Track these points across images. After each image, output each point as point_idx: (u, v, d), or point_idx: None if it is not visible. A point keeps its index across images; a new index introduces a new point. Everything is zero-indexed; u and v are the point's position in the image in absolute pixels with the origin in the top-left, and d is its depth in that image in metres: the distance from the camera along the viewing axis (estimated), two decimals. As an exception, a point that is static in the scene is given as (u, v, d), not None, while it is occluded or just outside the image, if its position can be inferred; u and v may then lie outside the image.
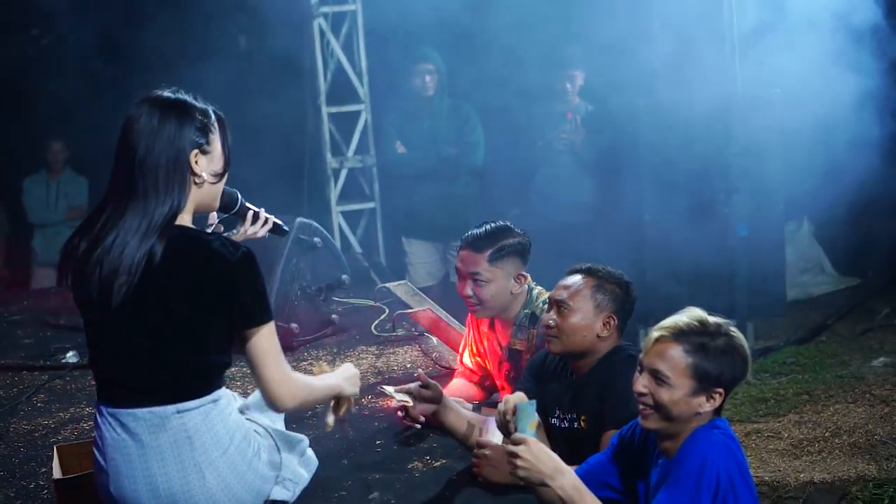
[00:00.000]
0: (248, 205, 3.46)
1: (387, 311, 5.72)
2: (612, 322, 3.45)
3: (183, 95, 2.76)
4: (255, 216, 3.49)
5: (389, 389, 3.60)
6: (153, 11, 8.13)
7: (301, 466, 3.01)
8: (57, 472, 3.34)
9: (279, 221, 3.59)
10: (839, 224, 9.01)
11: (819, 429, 5.60)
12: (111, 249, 2.63)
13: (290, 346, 4.86)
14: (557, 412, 3.57)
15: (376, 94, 7.97)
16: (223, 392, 2.79)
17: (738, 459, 2.74)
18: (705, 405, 2.77)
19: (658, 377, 2.79)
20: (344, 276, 5.35)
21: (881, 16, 6.90)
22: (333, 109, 7.94)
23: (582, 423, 3.45)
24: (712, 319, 2.84)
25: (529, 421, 2.86)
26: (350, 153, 7.97)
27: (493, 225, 4.02)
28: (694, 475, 2.68)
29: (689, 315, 2.86)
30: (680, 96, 7.13)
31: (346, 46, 7.94)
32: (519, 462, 2.77)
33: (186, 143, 2.70)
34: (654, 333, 2.86)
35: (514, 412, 2.99)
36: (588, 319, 3.44)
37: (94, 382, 4.92)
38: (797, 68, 6.85)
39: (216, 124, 2.79)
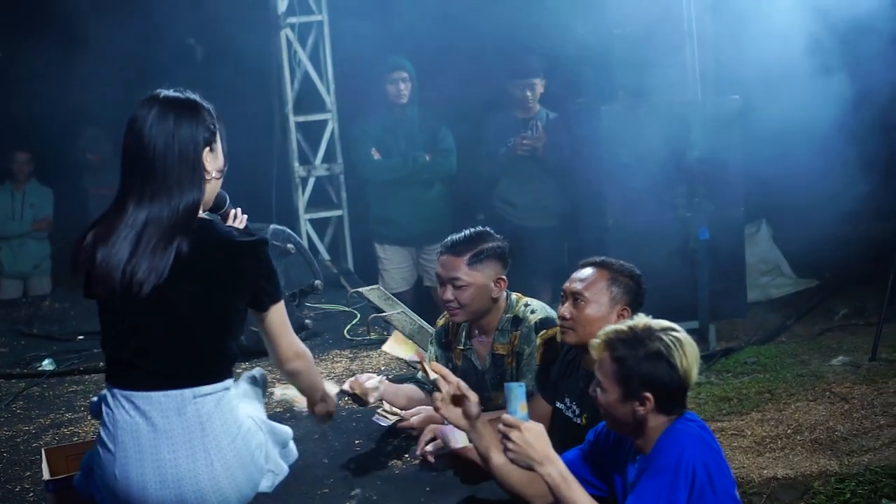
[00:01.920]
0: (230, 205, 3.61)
1: (359, 315, 5.79)
2: (626, 314, 3.44)
3: (192, 95, 2.86)
4: (235, 216, 3.70)
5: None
6: (117, 24, 8.13)
7: (282, 458, 3.09)
8: (46, 474, 3.38)
9: (248, 223, 3.79)
10: (797, 226, 9.17)
11: (781, 426, 5.65)
12: (138, 244, 2.71)
13: (263, 352, 4.90)
14: (567, 400, 3.62)
15: (343, 103, 8.03)
16: (232, 382, 2.88)
17: (714, 449, 2.82)
18: (639, 409, 2.83)
19: (598, 383, 2.90)
20: (317, 282, 5.42)
21: (840, 22, 7.04)
22: (301, 118, 7.99)
23: (583, 420, 3.49)
24: (644, 325, 2.89)
25: (519, 403, 2.89)
26: (317, 161, 8.02)
27: (472, 230, 4.03)
28: (671, 467, 2.74)
29: (627, 322, 2.95)
30: (641, 102, 7.26)
31: (313, 56, 8.00)
32: (510, 445, 2.86)
33: (201, 140, 2.80)
34: (593, 341, 2.95)
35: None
36: (604, 311, 3.45)
37: (72, 388, 5.05)
38: (756, 74, 7.00)
39: (218, 122, 2.89)
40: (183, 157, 2.75)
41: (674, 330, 2.89)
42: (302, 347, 3.04)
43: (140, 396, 2.75)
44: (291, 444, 3.19)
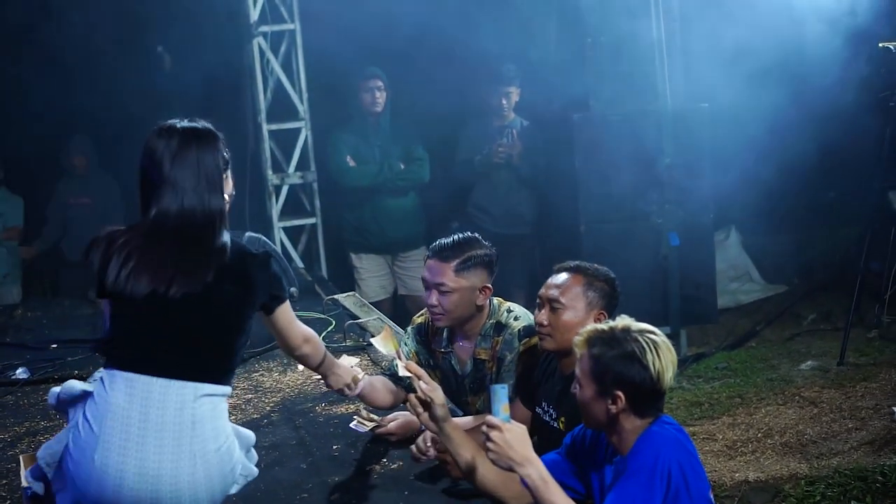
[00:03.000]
0: None
1: (334, 322, 5.81)
2: (603, 318, 3.47)
3: (204, 124, 3.01)
4: None
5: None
6: (86, 33, 8.12)
7: (250, 461, 3.13)
8: (24, 481, 3.38)
9: None
10: (765, 233, 9.27)
11: (752, 430, 5.72)
12: (169, 255, 2.86)
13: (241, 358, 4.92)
14: (543, 404, 3.66)
15: (316, 112, 8.05)
16: (230, 391, 2.97)
17: (689, 452, 2.88)
18: (612, 407, 2.88)
19: (577, 379, 2.97)
20: (292, 289, 5.42)
21: (809, 30, 7.14)
22: (274, 126, 7.99)
23: (560, 424, 3.52)
24: (623, 326, 2.95)
25: (502, 404, 2.94)
26: (291, 169, 8.03)
27: (461, 236, 4.02)
28: (647, 468, 2.79)
29: (608, 322, 3.02)
30: (613, 111, 7.33)
31: (286, 64, 8.02)
32: (490, 445, 2.90)
33: (222, 166, 2.99)
34: (576, 338, 3.01)
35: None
36: (580, 316, 3.49)
37: (47, 397, 5.02)
38: (724, 83, 7.08)
39: (226, 150, 3.06)
40: (210, 183, 2.92)
41: (652, 333, 2.94)
42: (309, 332, 3.36)
43: (142, 380, 2.81)
44: (253, 450, 3.22)
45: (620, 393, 2.87)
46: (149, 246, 2.86)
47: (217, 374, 2.91)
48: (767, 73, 7.35)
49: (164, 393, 2.79)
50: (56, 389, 3.02)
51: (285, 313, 3.20)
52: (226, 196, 3.01)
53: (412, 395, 3.26)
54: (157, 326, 2.85)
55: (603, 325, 3.00)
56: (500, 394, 2.96)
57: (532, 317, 3.94)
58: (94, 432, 2.78)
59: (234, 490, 3.04)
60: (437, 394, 3.22)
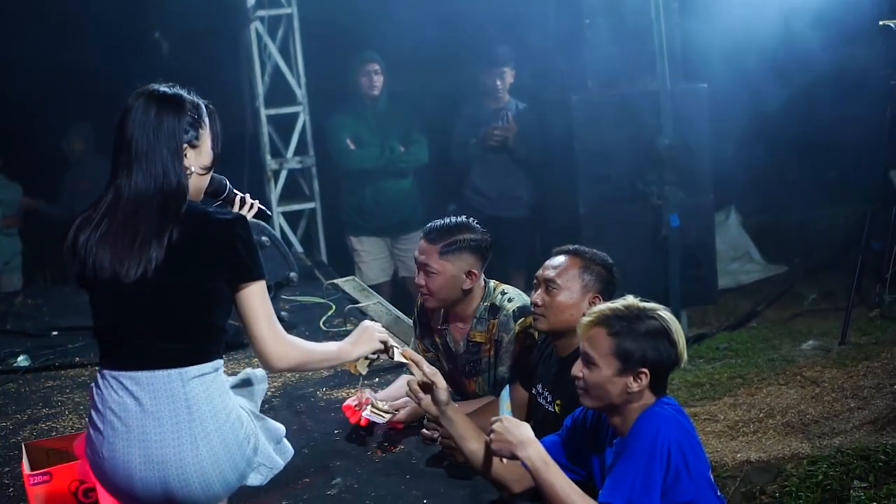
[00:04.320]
0: (235, 191, 3.56)
1: (334, 307, 5.81)
2: (597, 302, 3.46)
3: (178, 90, 2.88)
4: (242, 201, 3.60)
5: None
6: (85, 21, 8.10)
7: (277, 454, 3.09)
8: (27, 468, 3.39)
9: (262, 207, 3.69)
10: (765, 213, 9.27)
11: (753, 410, 5.71)
12: (126, 231, 2.74)
13: (241, 344, 4.94)
14: (539, 386, 3.66)
15: (314, 96, 8.03)
16: (222, 364, 2.88)
17: (688, 432, 2.87)
18: (633, 385, 2.88)
19: (588, 360, 2.93)
20: (292, 274, 5.41)
21: (807, 9, 7.12)
22: (272, 111, 7.99)
23: (556, 408, 3.52)
24: (640, 304, 2.96)
25: (505, 403, 3.00)
26: (289, 154, 8.02)
27: (454, 220, 4.03)
28: (647, 449, 2.79)
29: (619, 301, 3.00)
30: (611, 92, 7.31)
31: (283, 49, 8.00)
32: (492, 436, 2.93)
33: (181, 135, 2.83)
34: (585, 319, 2.99)
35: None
36: (575, 298, 3.49)
37: (48, 384, 5.05)
38: (723, 62, 7.07)
39: (206, 119, 2.90)
40: (166, 150, 2.79)
41: (665, 310, 2.97)
42: (287, 343, 2.89)
43: (127, 376, 2.77)
44: (286, 441, 3.18)
45: (646, 370, 2.88)
46: (107, 229, 2.77)
47: (199, 354, 2.80)
48: (767, 53, 7.33)
49: (151, 385, 2.75)
50: None
51: (252, 301, 2.82)
52: (193, 167, 2.86)
53: (411, 381, 3.26)
54: (127, 315, 2.79)
55: (613, 305, 2.98)
56: (503, 394, 3.06)
57: (525, 297, 3.97)
58: (98, 430, 2.79)
59: (256, 482, 3.01)
60: (438, 378, 3.22)
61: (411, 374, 3.35)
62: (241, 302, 2.82)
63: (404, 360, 3.27)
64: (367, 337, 3.18)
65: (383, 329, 3.25)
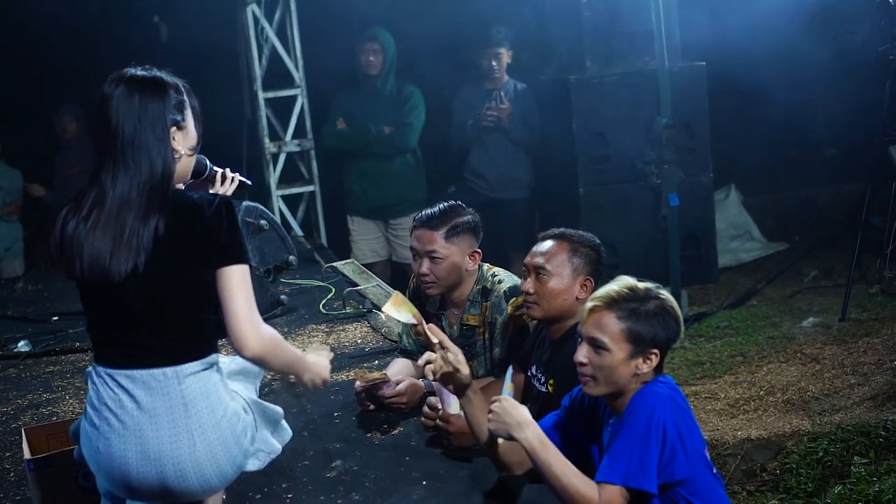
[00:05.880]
0: (214, 167, 3.53)
1: (334, 290, 5.82)
2: (589, 284, 3.49)
3: (156, 72, 2.83)
4: (223, 177, 3.57)
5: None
6: (83, 5, 8.09)
7: (274, 438, 3.09)
8: (27, 453, 3.40)
9: (242, 178, 3.65)
10: (765, 191, 9.26)
11: (754, 388, 5.73)
12: (113, 225, 2.69)
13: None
14: (533, 367, 3.66)
15: (312, 78, 8.01)
16: (217, 358, 2.86)
17: (684, 410, 2.87)
18: (643, 366, 2.88)
19: (596, 345, 2.91)
20: (291, 258, 5.42)
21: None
22: (270, 94, 7.96)
23: (550, 388, 3.51)
24: (642, 285, 2.95)
25: (507, 384, 3.01)
26: (288, 137, 8.01)
27: (445, 204, 4.05)
28: (643, 427, 2.79)
29: (619, 284, 2.97)
30: (609, 71, 7.30)
31: (280, 32, 7.97)
32: (490, 416, 2.95)
33: (168, 119, 2.78)
34: (589, 304, 2.97)
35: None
36: (566, 283, 3.49)
37: (49, 369, 5.06)
38: (721, 40, 7.04)
39: (187, 98, 2.86)
40: (152, 137, 2.74)
41: (663, 288, 2.98)
42: (263, 327, 2.77)
43: (122, 374, 2.74)
44: (284, 423, 3.18)
45: (656, 350, 2.89)
46: (95, 222, 2.71)
47: (194, 350, 2.77)
48: (765, 31, 7.31)
49: (148, 383, 2.73)
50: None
51: (232, 281, 2.72)
52: (182, 150, 2.82)
53: (432, 357, 3.17)
54: (120, 312, 2.75)
55: (615, 287, 2.96)
56: (507, 375, 3.09)
57: (515, 278, 3.98)
58: (94, 425, 2.77)
59: (254, 467, 3.01)
60: (461, 357, 3.17)
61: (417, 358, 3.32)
62: (221, 282, 2.72)
63: (436, 339, 3.19)
64: (315, 371, 3.01)
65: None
